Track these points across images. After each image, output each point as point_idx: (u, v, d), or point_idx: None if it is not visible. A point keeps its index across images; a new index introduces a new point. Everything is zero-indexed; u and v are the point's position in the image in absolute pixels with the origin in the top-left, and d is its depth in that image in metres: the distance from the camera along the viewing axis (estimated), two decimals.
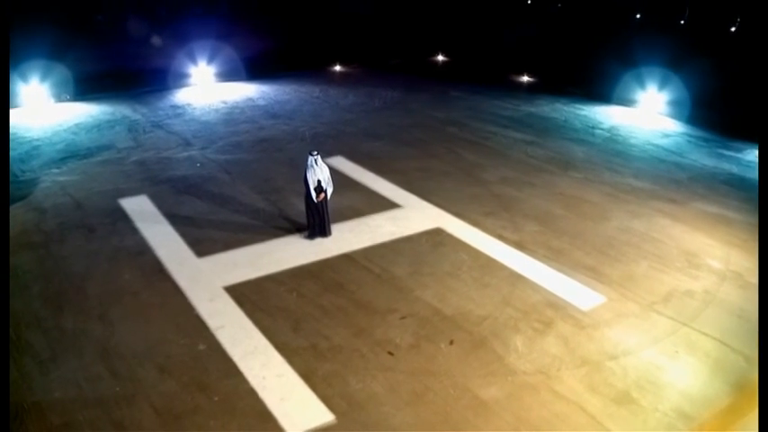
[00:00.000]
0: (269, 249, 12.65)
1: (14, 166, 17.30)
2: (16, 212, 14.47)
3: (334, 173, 16.30)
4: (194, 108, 23.14)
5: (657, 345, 9.79)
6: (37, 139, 19.61)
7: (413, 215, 14.13)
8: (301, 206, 13.18)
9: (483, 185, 15.76)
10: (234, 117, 21.93)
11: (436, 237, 13.14)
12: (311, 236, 12.91)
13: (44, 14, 28.01)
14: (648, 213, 14.23)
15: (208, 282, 11.51)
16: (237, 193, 15.33)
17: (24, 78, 23.54)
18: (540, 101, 23.49)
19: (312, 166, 12.42)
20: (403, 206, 14.61)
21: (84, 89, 24.50)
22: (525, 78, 27.14)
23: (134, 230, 13.50)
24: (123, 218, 14.09)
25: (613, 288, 11.29)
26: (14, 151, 18.54)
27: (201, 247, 12.72)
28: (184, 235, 13.23)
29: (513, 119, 21.32)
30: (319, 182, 12.49)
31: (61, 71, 24.26)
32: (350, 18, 32.82)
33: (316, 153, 12.53)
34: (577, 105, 22.82)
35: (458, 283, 11.42)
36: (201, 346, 9.76)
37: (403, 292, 11.11)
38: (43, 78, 23.88)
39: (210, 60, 27.07)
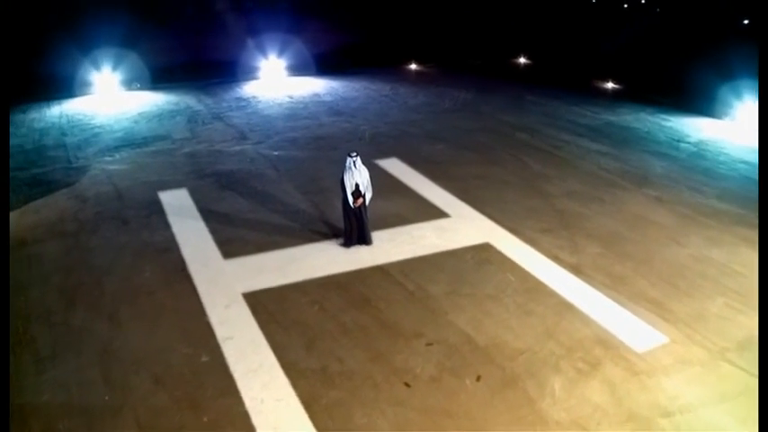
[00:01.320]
0: (301, 255, 11.77)
1: (70, 153, 17.27)
2: (58, 199, 14.29)
3: (386, 176, 15.40)
4: (258, 101, 22.71)
5: (724, 403, 8.21)
6: (99, 127, 19.62)
7: (462, 227, 12.92)
8: None
9: (545, 198, 14.35)
10: (296, 112, 21.31)
11: (483, 253, 11.89)
12: (347, 243, 11.94)
13: (130, 6, 28.38)
14: (731, 241, 12.42)
15: (228, 286, 10.74)
16: (281, 192, 14.57)
17: (97, 66, 23.83)
18: (623, 109, 21.63)
19: (350, 168, 11.45)
20: (452, 216, 13.42)
21: (155, 78, 24.59)
22: (610, 85, 25.23)
23: (166, 225, 12.96)
24: (159, 211, 13.60)
25: (679, 328, 9.71)
26: (75, 138, 18.61)
27: (230, 248, 11.99)
28: (216, 233, 12.56)
29: (589, 127, 19.65)
30: (357, 186, 11.50)
31: (135, 61, 24.45)
32: (431, 15, 31.77)
33: (354, 154, 11.54)
34: (664, 116, 20.83)
35: (498, 308, 10.15)
36: (204, 358, 8.97)
37: (435, 315, 9.96)
38: (116, 67, 24.11)
39: (283, 54, 26.66)
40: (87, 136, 18.77)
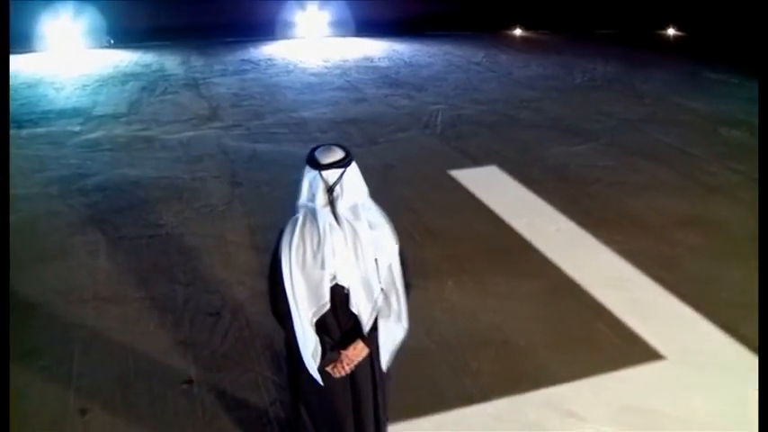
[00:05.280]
0: None
1: None
2: None
3: (478, 212, 6.56)
4: (273, 64, 14.38)
5: None
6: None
7: (710, 406, 3.92)
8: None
9: None
10: (326, 80, 12.83)
11: None
12: None
13: None
14: None
15: None
16: (212, 250, 5.98)
17: (58, 18, 16.21)
18: None
19: (310, 219, 2.62)
20: (667, 357, 4.42)
21: (145, 36, 16.60)
22: None
23: None
24: None
25: None
26: None
27: None
28: None
29: None
30: (346, 294, 2.67)
31: (119, 13, 16.55)
32: None
33: (339, 159, 2.69)
34: None
35: None
36: None
37: None
38: (80, 18, 16.40)
39: (327, 8, 18.14)
40: None
